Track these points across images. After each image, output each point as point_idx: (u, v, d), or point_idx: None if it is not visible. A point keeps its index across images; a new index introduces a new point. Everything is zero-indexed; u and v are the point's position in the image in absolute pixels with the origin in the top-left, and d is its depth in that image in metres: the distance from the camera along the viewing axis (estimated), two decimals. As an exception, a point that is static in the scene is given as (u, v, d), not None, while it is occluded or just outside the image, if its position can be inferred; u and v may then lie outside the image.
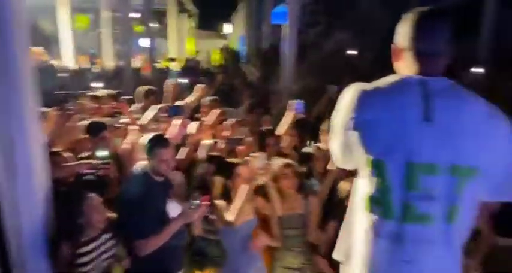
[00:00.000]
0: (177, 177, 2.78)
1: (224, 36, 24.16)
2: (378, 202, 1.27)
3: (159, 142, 2.38)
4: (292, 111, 3.38)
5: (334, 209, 2.63)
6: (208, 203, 2.34)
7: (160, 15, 17.02)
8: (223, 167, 2.67)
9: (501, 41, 8.28)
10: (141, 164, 2.44)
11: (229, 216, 2.49)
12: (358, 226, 1.35)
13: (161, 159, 2.33)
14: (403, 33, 1.28)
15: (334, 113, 1.38)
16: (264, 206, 2.69)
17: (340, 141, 1.35)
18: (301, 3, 10.31)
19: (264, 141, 3.27)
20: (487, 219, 2.44)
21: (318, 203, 2.79)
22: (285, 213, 2.72)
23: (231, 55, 10.81)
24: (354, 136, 1.28)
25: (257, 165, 2.45)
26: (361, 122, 1.26)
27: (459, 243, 1.27)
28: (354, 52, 8.84)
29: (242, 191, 2.49)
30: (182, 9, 15.58)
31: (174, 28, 13.32)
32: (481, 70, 6.05)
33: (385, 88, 1.26)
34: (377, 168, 1.25)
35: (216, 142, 3.12)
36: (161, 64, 11.99)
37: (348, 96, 1.32)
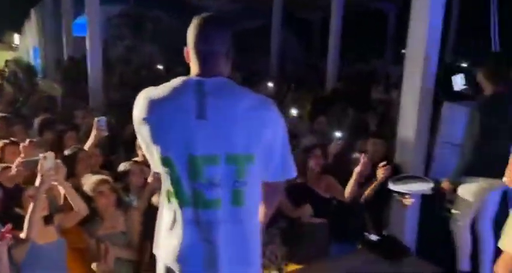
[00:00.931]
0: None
1: (13, 48, 20.94)
2: (174, 194, 1.41)
3: None
4: (95, 129, 3.14)
5: (152, 223, 2.60)
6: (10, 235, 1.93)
7: None
8: (10, 194, 2.27)
9: (285, 59, 9.89)
10: None
11: (22, 234, 2.12)
12: (164, 219, 1.48)
13: None
14: (188, 36, 1.42)
15: None
16: (66, 218, 2.40)
17: (144, 145, 1.45)
18: (105, 16, 9.93)
19: (72, 160, 2.95)
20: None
21: (138, 218, 2.70)
22: (107, 232, 2.53)
23: (22, 69, 9.42)
24: (146, 137, 1.39)
25: (46, 167, 2.11)
26: (147, 123, 1.37)
27: (252, 221, 1.47)
28: (161, 67, 8.97)
29: (32, 198, 2.15)
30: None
31: None
32: (271, 84, 7.06)
33: (167, 90, 1.38)
34: (167, 164, 1.38)
35: (7, 167, 2.66)
36: None
37: (137, 100, 1.42)
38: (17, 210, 2.31)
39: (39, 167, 2.12)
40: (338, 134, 3.53)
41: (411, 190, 2.93)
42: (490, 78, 2.73)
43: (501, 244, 2.26)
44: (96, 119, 3.20)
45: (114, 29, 11.57)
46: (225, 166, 1.36)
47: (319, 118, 4.51)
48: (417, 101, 3.21)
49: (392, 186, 2.95)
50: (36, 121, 4.04)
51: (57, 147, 3.37)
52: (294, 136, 3.90)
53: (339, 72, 7.78)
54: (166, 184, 1.43)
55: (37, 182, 2.14)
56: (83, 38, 6.26)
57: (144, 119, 1.38)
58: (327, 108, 5.32)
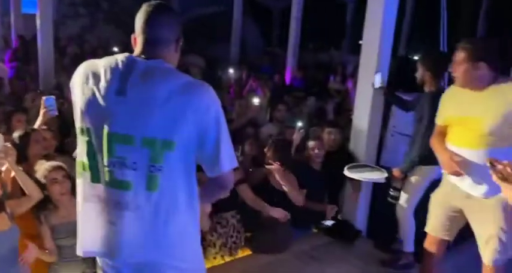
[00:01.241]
0: None
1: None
2: (87, 167, 1.38)
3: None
4: (43, 108, 2.89)
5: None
6: None
7: None
8: None
9: (245, 46, 9.88)
10: None
11: None
12: (78, 194, 1.44)
13: None
14: (136, 22, 1.40)
15: None
16: (19, 204, 2.30)
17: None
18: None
19: (24, 142, 2.80)
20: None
21: None
22: (61, 221, 2.46)
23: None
24: (74, 106, 1.40)
25: None
26: (76, 92, 1.38)
27: (170, 210, 1.35)
28: (117, 49, 8.61)
29: None
30: None
31: None
32: (232, 70, 7.06)
33: (103, 63, 1.35)
34: (85, 135, 1.36)
35: None
36: None
37: (77, 69, 1.42)
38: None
39: None
40: (299, 123, 3.56)
41: (366, 178, 3.08)
42: (436, 75, 2.89)
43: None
44: (43, 98, 2.97)
45: (67, 8, 11.00)
46: (140, 148, 1.29)
47: (279, 106, 4.53)
48: (371, 92, 3.35)
49: (348, 173, 3.09)
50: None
51: (4, 129, 3.20)
52: (254, 124, 3.93)
53: (298, 61, 7.90)
54: (81, 155, 1.40)
55: None
56: (33, 16, 5.92)
57: (74, 87, 1.38)
58: (287, 96, 5.41)
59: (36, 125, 3.01)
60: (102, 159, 1.33)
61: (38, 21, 5.67)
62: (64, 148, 3.49)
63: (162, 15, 1.38)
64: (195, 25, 12.38)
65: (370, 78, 3.34)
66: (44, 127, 3.04)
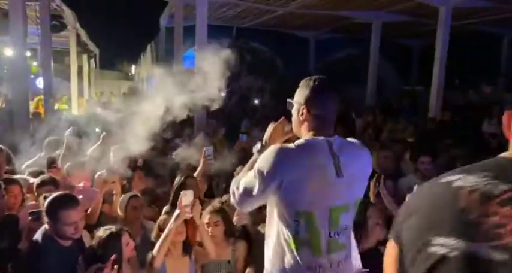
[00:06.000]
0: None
1: (129, 77, 23.55)
2: (306, 243, 1.52)
3: (63, 202, 2.10)
4: (203, 158, 3.43)
5: (255, 253, 2.69)
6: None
7: (60, 55, 16.10)
8: None
9: (382, 90, 9.55)
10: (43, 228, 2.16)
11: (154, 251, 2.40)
12: (284, 264, 1.54)
13: (67, 222, 2.06)
14: (304, 100, 1.58)
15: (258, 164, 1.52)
16: (200, 254, 2.62)
17: (255, 198, 1.55)
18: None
19: (181, 187, 3.11)
20: None
21: (245, 248, 2.78)
22: (213, 260, 2.65)
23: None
24: (276, 194, 1.49)
25: (184, 202, 2.37)
26: (286, 182, 1.46)
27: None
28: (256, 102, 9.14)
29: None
30: (83, 50, 14.84)
31: (75, 68, 12.62)
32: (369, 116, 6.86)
33: (303, 150, 1.50)
34: (304, 216, 1.50)
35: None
36: (58, 106, 11.00)
37: (270, 157, 1.49)
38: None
39: (178, 201, 2.37)
40: None
41: None
42: None
43: None
44: (204, 148, 3.46)
45: (219, 62, 12.46)
46: (352, 211, 1.62)
47: (422, 158, 3.91)
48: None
49: None
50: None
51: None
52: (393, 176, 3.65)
53: (444, 101, 7.23)
54: (292, 233, 1.52)
55: (174, 214, 2.38)
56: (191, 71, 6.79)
57: (278, 179, 1.48)
58: (433, 145, 4.91)
59: (197, 171, 3.45)
60: (327, 232, 1.53)
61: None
62: (211, 191, 3.83)
63: (333, 96, 1.62)
64: (331, 69, 12.64)
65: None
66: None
